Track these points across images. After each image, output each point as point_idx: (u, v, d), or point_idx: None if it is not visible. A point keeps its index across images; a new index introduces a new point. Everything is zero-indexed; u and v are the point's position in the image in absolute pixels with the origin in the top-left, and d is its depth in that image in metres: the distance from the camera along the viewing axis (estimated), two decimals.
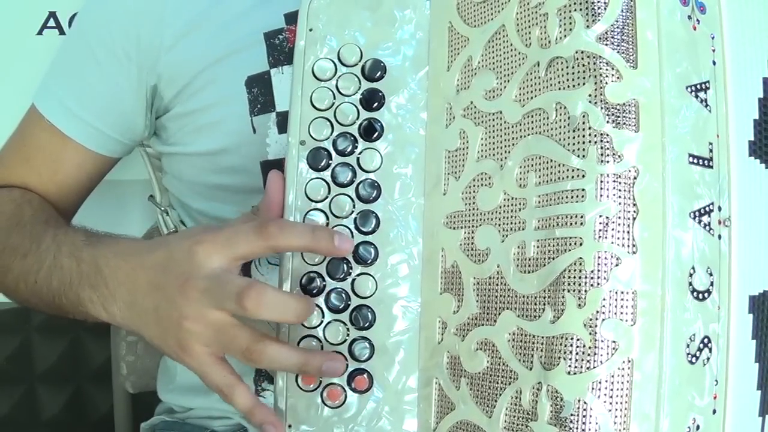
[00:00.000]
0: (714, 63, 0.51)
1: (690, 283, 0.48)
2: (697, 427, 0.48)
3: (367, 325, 0.56)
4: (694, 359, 0.48)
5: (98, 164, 0.79)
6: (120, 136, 0.78)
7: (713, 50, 0.51)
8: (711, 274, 0.49)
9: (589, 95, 0.48)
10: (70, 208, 0.80)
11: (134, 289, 0.58)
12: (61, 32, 0.96)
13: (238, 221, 0.59)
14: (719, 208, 0.50)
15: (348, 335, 0.56)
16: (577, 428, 0.46)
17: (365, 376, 0.56)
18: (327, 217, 0.57)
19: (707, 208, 0.49)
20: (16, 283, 0.69)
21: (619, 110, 0.48)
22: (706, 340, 0.49)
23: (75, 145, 0.77)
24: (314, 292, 0.56)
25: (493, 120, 0.53)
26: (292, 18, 0.73)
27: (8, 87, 0.88)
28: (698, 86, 0.50)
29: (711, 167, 0.50)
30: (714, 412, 0.49)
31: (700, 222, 0.49)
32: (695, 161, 0.49)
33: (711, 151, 0.50)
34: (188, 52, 0.73)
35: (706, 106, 0.50)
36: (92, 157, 0.78)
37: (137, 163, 0.89)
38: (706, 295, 0.49)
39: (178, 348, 0.56)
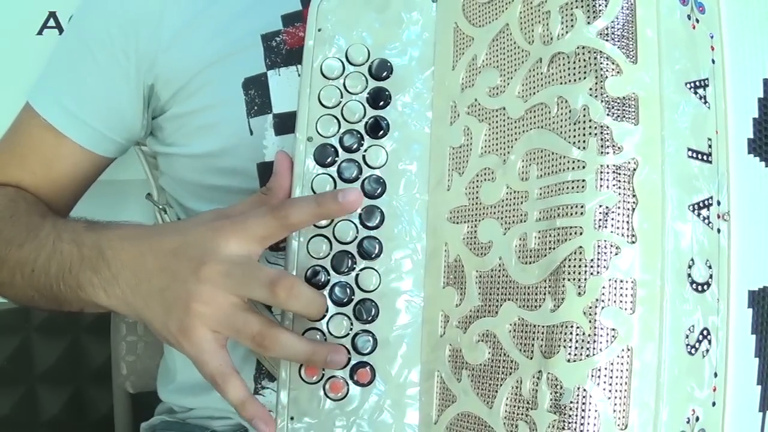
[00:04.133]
0: (713, 61, 0.52)
1: (689, 275, 0.49)
2: (697, 419, 0.49)
3: (370, 318, 0.57)
4: (693, 350, 0.49)
5: (93, 164, 0.79)
6: (117, 136, 0.78)
7: (712, 49, 0.52)
8: (710, 267, 0.50)
9: (590, 89, 0.49)
10: (64, 208, 0.80)
11: (140, 272, 0.58)
12: (61, 32, 0.96)
13: (249, 202, 0.59)
14: (718, 203, 0.51)
15: (351, 328, 0.57)
16: (576, 415, 0.47)
17: (368, 369, 0.56)
18: None
19: (706, 202, 0.50)
20: (12, 275, 0.69)
21: (619, 103, 0.49)
22: (705, 332, 0.49)
23: (71, 144, 0.77)
24: (319, 285, 0.57)
25: (497, 116, 0.54)
26: (289, 20, 0.74)
27: (8, 87, 0.87)
28: (697, 83, 0.51)
29: (710, 162, 0.51)
30: (713, 404, 0.50)
31: (699, 215, 0.50)
32: (694, 155, 0.50)
33: (710, 146, 0.51)
34: (185, 53, 0.73)
35: (705, 102, 0.51)
36: (88, 156, 0.78)
37: (134, 163, 0.88)
38: (705, 287, 0.50)
39: (179, 331, 0.56)
